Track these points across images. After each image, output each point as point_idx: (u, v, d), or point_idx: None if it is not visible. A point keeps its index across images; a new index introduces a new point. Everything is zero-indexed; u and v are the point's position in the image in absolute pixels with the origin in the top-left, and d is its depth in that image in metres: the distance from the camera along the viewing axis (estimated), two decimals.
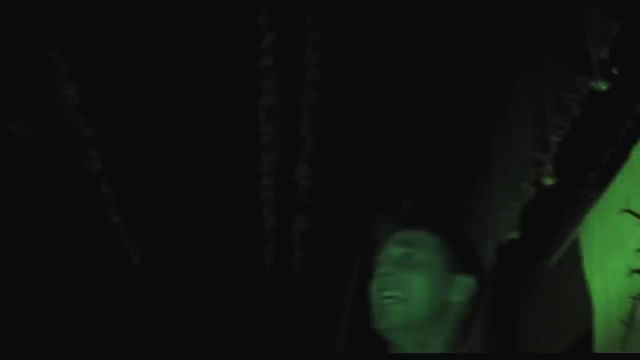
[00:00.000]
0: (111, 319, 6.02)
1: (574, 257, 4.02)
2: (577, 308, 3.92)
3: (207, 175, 4.71)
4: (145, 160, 4.63)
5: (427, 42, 3.30)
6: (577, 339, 3.86)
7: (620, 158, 3.60)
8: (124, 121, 4.29)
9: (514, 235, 3.93)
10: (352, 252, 4.92)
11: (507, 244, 3.85)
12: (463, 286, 1.98)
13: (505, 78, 3.45)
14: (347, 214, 4.55)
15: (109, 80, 3.99)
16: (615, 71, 3.06)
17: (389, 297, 1.95)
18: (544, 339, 4.22)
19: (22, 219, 5.48)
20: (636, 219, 3.24)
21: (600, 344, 3.50)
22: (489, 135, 3.72)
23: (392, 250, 2.02)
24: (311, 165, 4.07)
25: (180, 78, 3.91)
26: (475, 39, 3.28)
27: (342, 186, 4.36)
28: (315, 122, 3.72)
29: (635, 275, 3.22)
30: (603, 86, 3.09)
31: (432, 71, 3.43)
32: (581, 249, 3.90)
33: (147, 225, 5.21)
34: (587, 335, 3.63)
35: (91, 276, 5.80)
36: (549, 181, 3.50)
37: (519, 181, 3.38)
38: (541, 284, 4.71)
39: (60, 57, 3.82)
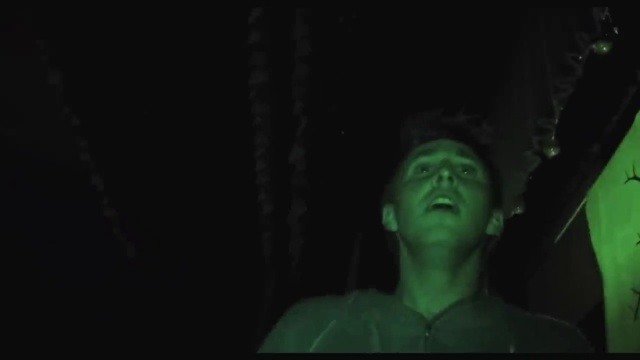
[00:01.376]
0: (107, 315, 5.92)
1: (581, 230, 3.96)
2: (585, 282, 3.87)
3: (198, 163, 4.59)
4: (136, 149, 4.52)
5: (423, 7, 3.17)
6: (587, 313, 3.79)
7: (623, 126, 3.51)
8: (111, 108, 4.18)
9: (519, 210, 3.86)
10: (353, 234, 4.81)
11: (511, 218, 3.76)
12: (496, 222, 1.78)
13: (505, 38, 3.34)
14: (347, 195, 4.42)
15: (95, 66, 3.88)
16: (617, 32, 2.98)
17: (447, 206, 1.70)
18: (553, 315, 4.13)
19: (10, 218, 5.36)
20: None
21: (611, 316, 3.43)
22: (490, 98, 3.61)
23: (454, 158, 1.83)
24: (306, 146, 3.94)
25: (167, 60, 3.80)
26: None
27: (340, 166, 4.23)
28: (308, 99, 3.59)
29: None
30: (605, 47, 3.01)
31: (429, 37, 3.30)
32: (588, 220, 3.83)
33: (140, 216, 5.10)
34: (597, 308, 3.56)
35: (85, 273, 5.69)
36: (552, 152, 3.41)
37: (523, 149, 3.28)
38: (548, 259, 4.65)
39: (44, 44, 3.71)
